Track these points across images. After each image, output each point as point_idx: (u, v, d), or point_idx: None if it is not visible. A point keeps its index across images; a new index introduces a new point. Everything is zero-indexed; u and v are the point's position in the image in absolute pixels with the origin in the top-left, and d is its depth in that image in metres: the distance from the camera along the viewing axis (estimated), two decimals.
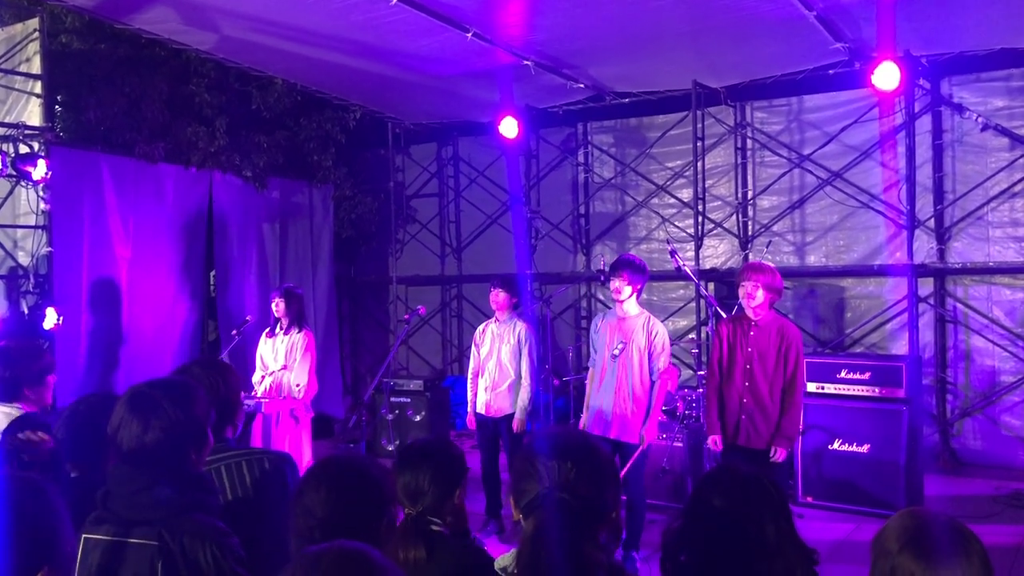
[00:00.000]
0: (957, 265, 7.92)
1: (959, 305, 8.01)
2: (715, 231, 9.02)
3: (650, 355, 5.28)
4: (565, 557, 1.79)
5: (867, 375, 6.61)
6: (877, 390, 6.55)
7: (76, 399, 2.80)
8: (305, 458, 6.19)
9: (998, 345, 7.78)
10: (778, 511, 1.97)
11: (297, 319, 6.50)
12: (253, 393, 6.36)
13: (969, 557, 1.70)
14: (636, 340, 5.29)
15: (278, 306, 6.47)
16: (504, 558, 2.00)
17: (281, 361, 6.40)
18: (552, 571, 1.76)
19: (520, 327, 6.22)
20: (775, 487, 2.02)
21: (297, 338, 6.42)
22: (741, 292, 5.17)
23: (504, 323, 6.27)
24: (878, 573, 1.75)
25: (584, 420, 5.49)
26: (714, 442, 5.23)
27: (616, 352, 5.30)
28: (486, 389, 6.23)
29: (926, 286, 8.08)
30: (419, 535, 2.31)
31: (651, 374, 5.29)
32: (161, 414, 2.07)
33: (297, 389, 6.29)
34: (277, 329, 6.53)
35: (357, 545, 1.47)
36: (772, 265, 5.33)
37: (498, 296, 6.25)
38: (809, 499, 6.59)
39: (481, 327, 6.48)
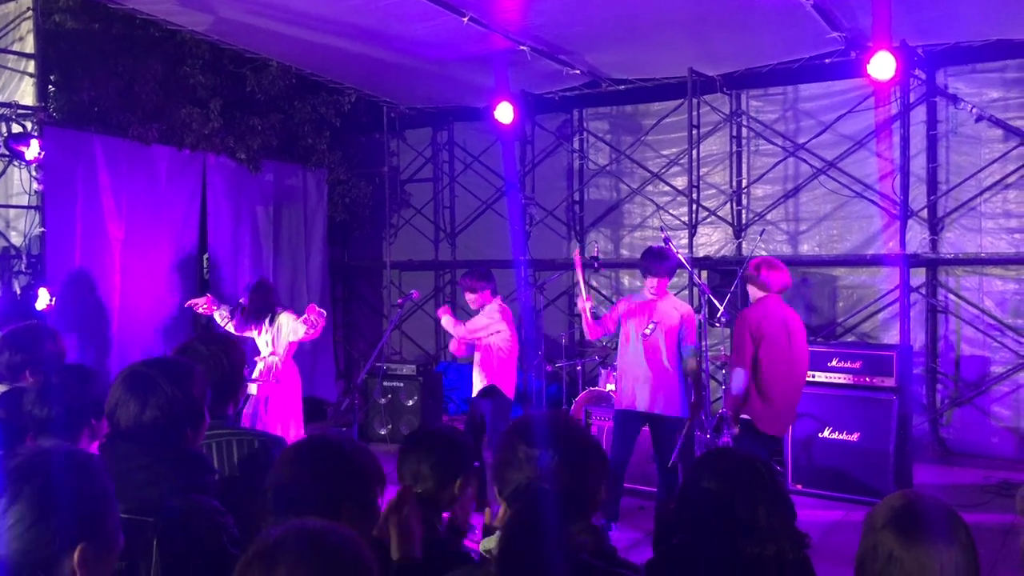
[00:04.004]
0: (949, 255, 7.96)
1: (951, 295, 8.05)
2: (709, 219, 9.02)
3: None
4: (545, 545, 1.79)
5: (858, 364, 6.66)
6: (868, 379, 6.60)
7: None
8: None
9: (988, 336, 7.83)
10: (770, 493, 1.98)
11: (267, 309, 6.37)
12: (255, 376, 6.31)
13: (951, 542, 1.70)
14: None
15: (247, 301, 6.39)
16: (489, 540, 1.99)
17: (271, 348, 6.37)
18: (531, 558, 1.77)
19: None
20: (768, 470, 2.03)
21: (283, 320, 6.32)
22: None
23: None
24: (863, 548, 1.77)
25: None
26: None
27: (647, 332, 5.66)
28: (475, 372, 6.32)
29: (918, 276, 8.11)
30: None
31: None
32: (159, 393, 2.08)
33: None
34: (265, 325, 6.39)
35: (321, 524, 1.39)
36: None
37: (472, 296, 6.22)
38: (799, 486, 6.64)
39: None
